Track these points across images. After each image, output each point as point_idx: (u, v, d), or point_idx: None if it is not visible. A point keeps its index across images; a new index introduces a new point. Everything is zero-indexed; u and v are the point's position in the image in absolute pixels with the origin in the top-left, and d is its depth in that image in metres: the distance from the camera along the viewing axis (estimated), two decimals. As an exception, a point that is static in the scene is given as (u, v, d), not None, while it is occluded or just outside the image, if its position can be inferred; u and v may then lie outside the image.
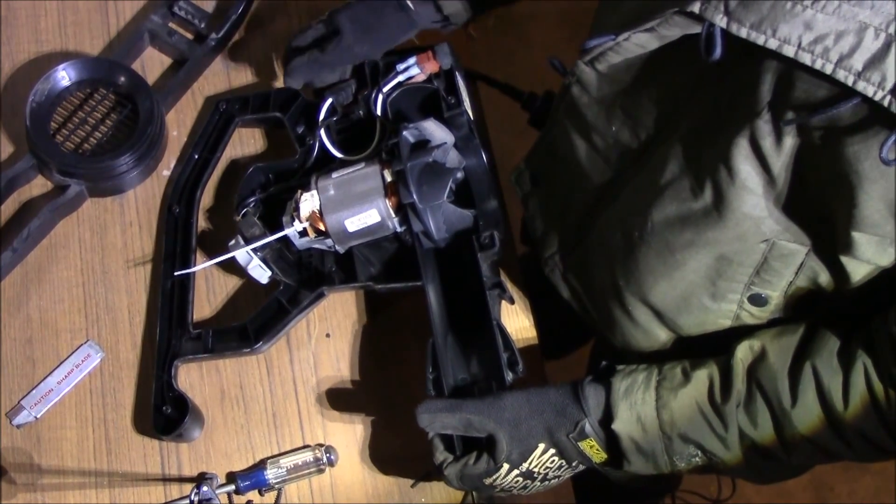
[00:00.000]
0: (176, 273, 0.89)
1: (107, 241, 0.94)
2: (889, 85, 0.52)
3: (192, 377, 0.89)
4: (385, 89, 0.88)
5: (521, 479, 0.74)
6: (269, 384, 0.89)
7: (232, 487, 0.82)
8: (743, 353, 0.69)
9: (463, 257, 0.83)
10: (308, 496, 0.86)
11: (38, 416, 0.86)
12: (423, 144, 0.83)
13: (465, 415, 0.73)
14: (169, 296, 0.90)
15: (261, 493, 0.84)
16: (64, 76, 0.93)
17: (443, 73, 0.88)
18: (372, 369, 0.90)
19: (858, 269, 0.64)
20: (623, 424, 0.70)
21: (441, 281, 0.84)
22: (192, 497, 0.78)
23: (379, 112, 0.88)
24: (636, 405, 0.70)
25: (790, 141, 0.59)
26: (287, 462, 0.84)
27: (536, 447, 0.72)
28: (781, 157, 0.60)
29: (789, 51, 0.55)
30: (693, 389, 0.69)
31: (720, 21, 0.57)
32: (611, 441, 0.71)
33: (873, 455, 0.66)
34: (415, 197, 0.79)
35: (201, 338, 0.87)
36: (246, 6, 1.01)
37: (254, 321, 0.87)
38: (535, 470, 0.74)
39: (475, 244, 0.81)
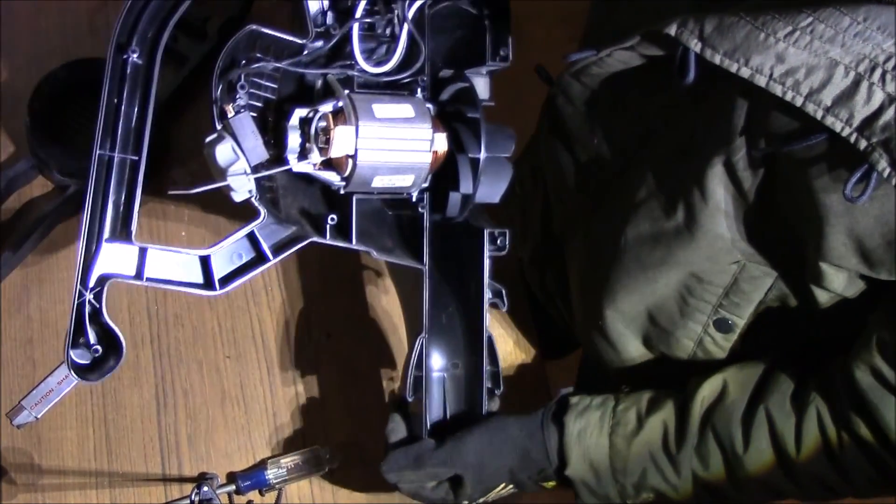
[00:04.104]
0: (170, 191, 0.71)
1: (107, 242, 0.93)
2: (856, 122, 0.53)
3: (192, 378, 0.88)
4: None
5: None
6: (269, 384, 0.89)
7: (232, 487, 0.82)
8: (703, 394, 0.69)
9: (462, 240, 0.76)
10: (308, 496, 0.86)
11: (39, 417, 0.86)
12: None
13: (430, 469, 0.73)
14: (104, 176, 0.66)
15: (261, 493, 0.84)
16: (64, 76, 0.93)
17: (495, 5, 0.75)
18: (372, 369, 0.90)
19: (825, 297, 0.64)
20: (576, 471, 0.71)
21: (438, 261, 0.76)
22: (193, 497, 0.78)
23: (411, 18, 0.71)
24: (589, 451, 0.70)
25: (763, 168, 0.60)
26: (288, 462, 0.84)
27: (498, 486, 0.74)
28: (755, 182, 0.61)
29: (761, 81, 0.55)
30: (647, 437, 0.69)
31: (694, 46, 0.58)
32: (565, 480, 0.72)
33: (823, 495, 0.67)
34: (474, 190, 0.70)
35: (142, 255, 0.67)
36: (246, 6, 1.01)
37: (222, 262, 0.68)
38: (490, 499, 0.75)
39: (485, 237, 0.74)
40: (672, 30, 0.59)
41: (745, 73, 0.56)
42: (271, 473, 0.83)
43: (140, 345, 0.89)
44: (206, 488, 0.78)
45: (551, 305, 0.89)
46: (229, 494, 0.83)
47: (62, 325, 0.90)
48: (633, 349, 0.77)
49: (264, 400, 0.88)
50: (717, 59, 0.57)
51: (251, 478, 0.83)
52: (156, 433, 0.86)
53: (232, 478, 0.84)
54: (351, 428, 0.88)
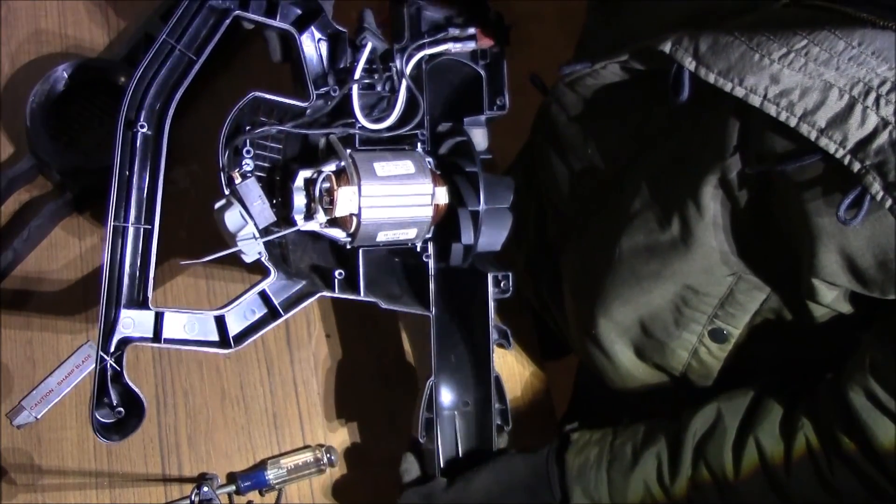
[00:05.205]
0: (182, 263, 0.76)
1: (107, 242, 0.94)
2: (850, 144, 0.53)
3: (192, 378, 0.88)
4: (430, 51, 0.75)
5: None
6: (269, 384, 0.89)
7: (232, 488, 0.83)
8: (695, 426, 0.69)
9: (467, 282, 0.79)
10: (308, 496, 0.86)
11: (39, 417, 0.86)
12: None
13: None
14: (119, 247, 0.68)
15: (261, 494, 0.84)
16: (64, 76, 0.93)
17: (491, 57, 0.77)
18: (372, 369, 0.90)
19: (819, 311, 0.64)
20: None
21: (444, 305, 0.79)
22: (193, 497, 0.78)
23: (408, 74, 0.74)
24: (589, 489, 0.72)
25: (756, 185, 0.60)
26: (288, 462, 0.84)
27: None
28: (748, 198, 0.61)
29: (755, 100, 0.55)
30: (642, 471, 0.70)
31: (689, 64, 0.58)
32: None
33: None
34: (475, 241, 0.73)
35: (159, 319, 0.69)
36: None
37: (236, 320, 0.71)
38: None
39: (489, 281, 0.76)
40: (667, 47, 0.59)
41: (739, 92, 0.56)
42: (271, 473, 0.84)
43: (140, 345, 0.90)
44: (206, 488, 0.78)
45: (546, 313, 0.89)
46: (229, 495, 0.83)
47: (62, 326, 0.90)
48: (626, 359, 0.77)
49: (264, 400, 0.88)
50: (711, 78, 0.57)
51: (251, 478, 0.83)
52: (156, 433, 0.86)
53: (232, 478, 0.84)
54: (351, 428, 0.88)
